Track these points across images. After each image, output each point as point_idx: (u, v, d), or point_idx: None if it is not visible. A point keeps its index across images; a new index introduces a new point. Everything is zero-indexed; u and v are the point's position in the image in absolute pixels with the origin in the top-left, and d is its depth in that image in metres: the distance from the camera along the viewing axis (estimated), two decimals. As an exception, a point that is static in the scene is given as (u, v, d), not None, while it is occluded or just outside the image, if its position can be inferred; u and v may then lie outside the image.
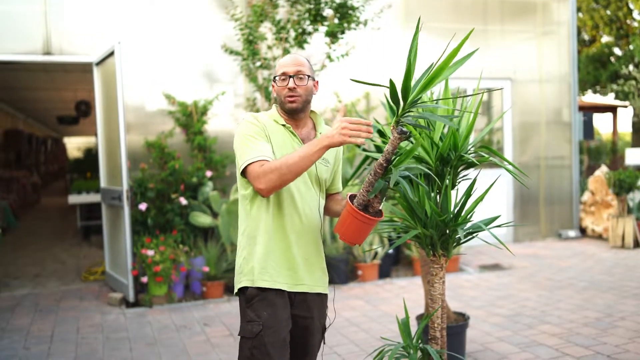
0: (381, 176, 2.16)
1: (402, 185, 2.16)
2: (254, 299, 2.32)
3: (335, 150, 2.51)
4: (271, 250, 2.34)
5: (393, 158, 2.17)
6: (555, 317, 4.96)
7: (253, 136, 2.30)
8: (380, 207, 2.24)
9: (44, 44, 6.31)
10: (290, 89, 2.34)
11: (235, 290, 2.43)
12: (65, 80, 10.42)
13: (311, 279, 2.42)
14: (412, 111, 2.10)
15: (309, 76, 2.38)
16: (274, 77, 2.40)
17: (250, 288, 2.34)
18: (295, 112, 2.37)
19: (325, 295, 2.50)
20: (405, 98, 2.04)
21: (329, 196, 2.58)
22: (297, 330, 2.41)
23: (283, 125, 2.39)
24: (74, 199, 9.70)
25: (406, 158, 2.18)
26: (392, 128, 2.06)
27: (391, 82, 2.06)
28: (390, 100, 2.09)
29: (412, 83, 2.05)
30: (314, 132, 2.47)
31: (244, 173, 2.27)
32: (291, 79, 2.34)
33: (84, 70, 8.06)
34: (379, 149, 2.86)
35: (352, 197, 2.25)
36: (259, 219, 2.35)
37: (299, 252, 2.38)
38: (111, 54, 5.74)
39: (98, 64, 6.24)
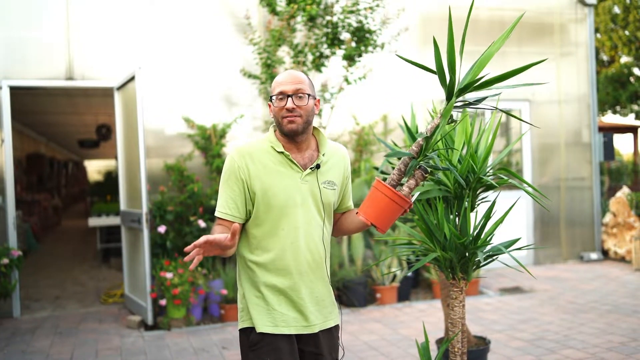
0: (416, 156, 2.04)
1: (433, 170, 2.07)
2: (257, 344, 2.16)
3: (342, 170, 2.33)
4: (276, 295, 2.17)
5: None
6: (578, 341, 4.87)
7: (226, 182, 2.19)
8: (413, 198, 2.09)
9: (67, 70, 6.43)
10: (288, 110, 2.12)
11: (239, 328, 2.26)
12: (86, 105, 10.58)
13: (322, 316, 2.25)
14: (462, 100, 2.10)
15: (309, 95, 2.15)
16: (271, 97, 2.17)
17: (253, 332, 2.17)
18: (295, 134, 2.15)
19: (336, 326, 2.33)
20: (452, 80, 2.07)
21: (341, 215, 2.42)
22: None
23: (281, 152, 2.18)
24: (94, 221, 9.79)
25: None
26: (439, 116, 2.04)
27: (436, 45, 2.04)
28: (440, 81, 2.09)
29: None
30: (316, 153, 2.25)
31: None
32: (289, 99, 2.12)
33: (105, 94, 8.20)
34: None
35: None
36: (258, 261, 2.19)
37: (308, 293, 2.20)
38: (132, 78, 5.84)
39: (119, 88, 6.35)
